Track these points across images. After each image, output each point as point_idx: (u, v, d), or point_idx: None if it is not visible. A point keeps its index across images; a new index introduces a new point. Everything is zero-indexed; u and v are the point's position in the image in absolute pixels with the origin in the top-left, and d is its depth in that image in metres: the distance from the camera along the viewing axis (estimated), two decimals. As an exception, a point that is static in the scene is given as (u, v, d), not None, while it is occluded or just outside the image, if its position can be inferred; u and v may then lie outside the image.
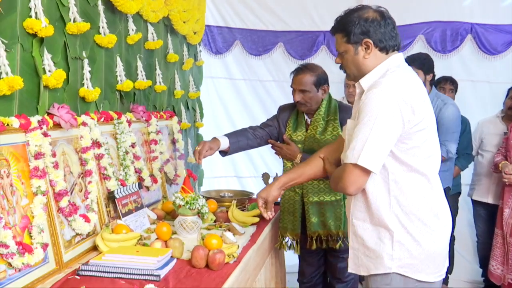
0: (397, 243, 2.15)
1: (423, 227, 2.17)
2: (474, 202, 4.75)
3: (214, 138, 3.43)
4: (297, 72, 3.34)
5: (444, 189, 4.30)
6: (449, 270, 4.78)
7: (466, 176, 4.91)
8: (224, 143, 3.43)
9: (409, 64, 4.27)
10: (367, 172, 2.08)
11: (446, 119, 4.06)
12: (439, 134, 4.12)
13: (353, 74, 2.28)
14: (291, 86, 3.34)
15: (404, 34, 5.00)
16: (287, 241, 3.42)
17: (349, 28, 2.19)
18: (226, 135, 3.49)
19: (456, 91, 4.81)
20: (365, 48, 2.19)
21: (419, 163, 2.15)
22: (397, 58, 2.24)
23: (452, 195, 4.58)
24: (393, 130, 2.04)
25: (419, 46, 4.95)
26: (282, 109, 3.57)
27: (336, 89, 4.70)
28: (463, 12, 4.92)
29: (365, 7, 2.23)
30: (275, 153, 3.48)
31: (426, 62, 4.17)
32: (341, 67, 2.32)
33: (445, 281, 4.78)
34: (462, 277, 4.98)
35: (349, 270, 2.33)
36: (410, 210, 2.15)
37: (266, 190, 2.62)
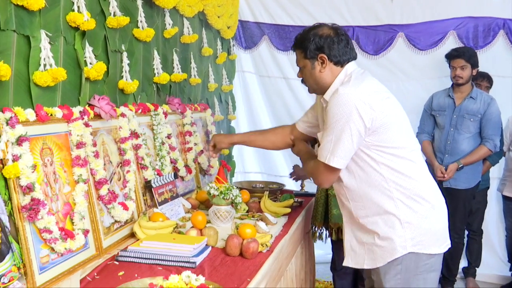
0: (406, 224, 2.27)
1: (427, 204, 2.31)
2: (505, 197, 4.71)
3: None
4: None
5: (475, 186, 4.27)
6: (477, 264, 4.79)
7: (496, 170, 4.86)
8: None
9: (458, 57, 4.23)
10: (337, 169, 2.29)
11: (494, 114, 4.21)
12: (488, 129, 4.16)
13: (312, 88, 2.48)
14: None
15: (435, 30, 4.94)
16: (315, 230, 3.47)
17: (305, 44, 2.38)
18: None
19: (490, 88, 4.76)
20: (321, 63, 2.36)
21: (404, 156, 2.30)
22: (350, 66, 2.38)
23: (481, 190, 4.58)
24: (354, 130, 2.18)
25: (450, 42, 4.88)
26: None
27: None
28: (495, 8, 4.85)
29: (321, 25, 2.41)
30: None
31: (474, 57, 4.29)
32: (302, 81, 2.50)
33: (473, 274, 4.82)
34: (490, 271, 4.94)
35: (366, 266, 2.39)
36: (411, 191, 2.28)
37: (221, 137, 3.12)
